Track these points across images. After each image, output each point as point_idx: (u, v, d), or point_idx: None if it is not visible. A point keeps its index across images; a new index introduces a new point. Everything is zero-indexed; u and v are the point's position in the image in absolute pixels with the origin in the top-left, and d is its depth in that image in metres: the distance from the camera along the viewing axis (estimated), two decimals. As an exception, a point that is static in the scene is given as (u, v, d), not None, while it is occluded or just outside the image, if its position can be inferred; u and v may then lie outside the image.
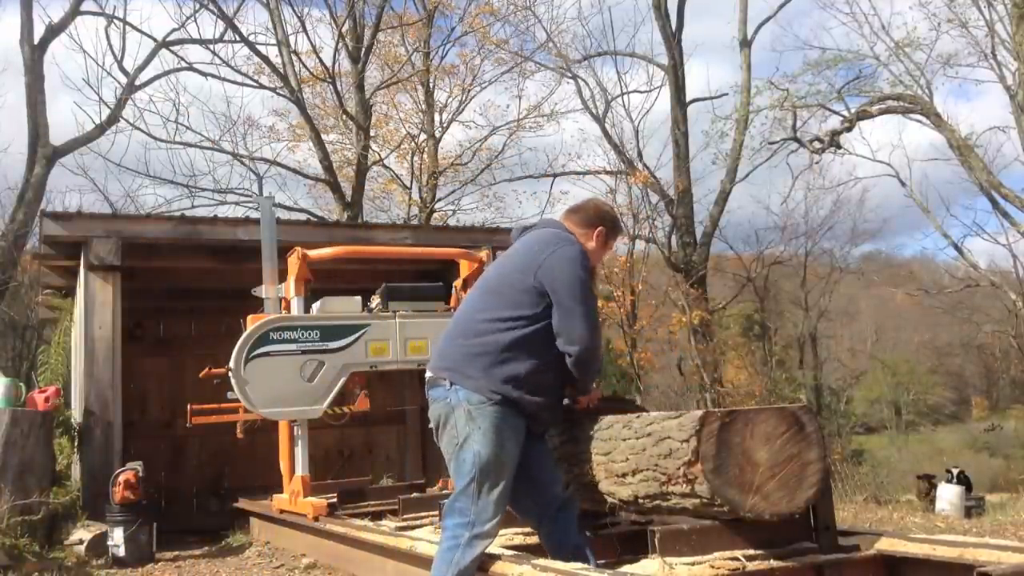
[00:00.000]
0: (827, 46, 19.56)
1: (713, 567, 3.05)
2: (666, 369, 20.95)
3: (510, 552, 3.53)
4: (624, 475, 3.34)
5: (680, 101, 19.23)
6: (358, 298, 6.24)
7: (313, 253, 6.24)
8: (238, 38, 15.00)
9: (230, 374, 5.64)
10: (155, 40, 14.95)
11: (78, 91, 31.11)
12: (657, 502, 3.27)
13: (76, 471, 7.50)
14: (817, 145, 18.56)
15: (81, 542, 6.24)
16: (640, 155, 19.24)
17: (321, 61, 16.03)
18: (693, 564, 3.09)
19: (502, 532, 3.63)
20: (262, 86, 16.09)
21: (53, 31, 14.33)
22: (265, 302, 6.20)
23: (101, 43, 34.86)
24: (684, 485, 3.03)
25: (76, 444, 7.46)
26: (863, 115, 17.86)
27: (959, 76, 21.09)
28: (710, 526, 3.24)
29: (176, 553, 6.54)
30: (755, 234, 24.25)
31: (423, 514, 5.34)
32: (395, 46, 18.71)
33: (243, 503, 7.35)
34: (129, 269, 7.58)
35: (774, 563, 3.14)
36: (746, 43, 19.68)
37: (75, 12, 14.61)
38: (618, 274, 17.42)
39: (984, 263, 19.88)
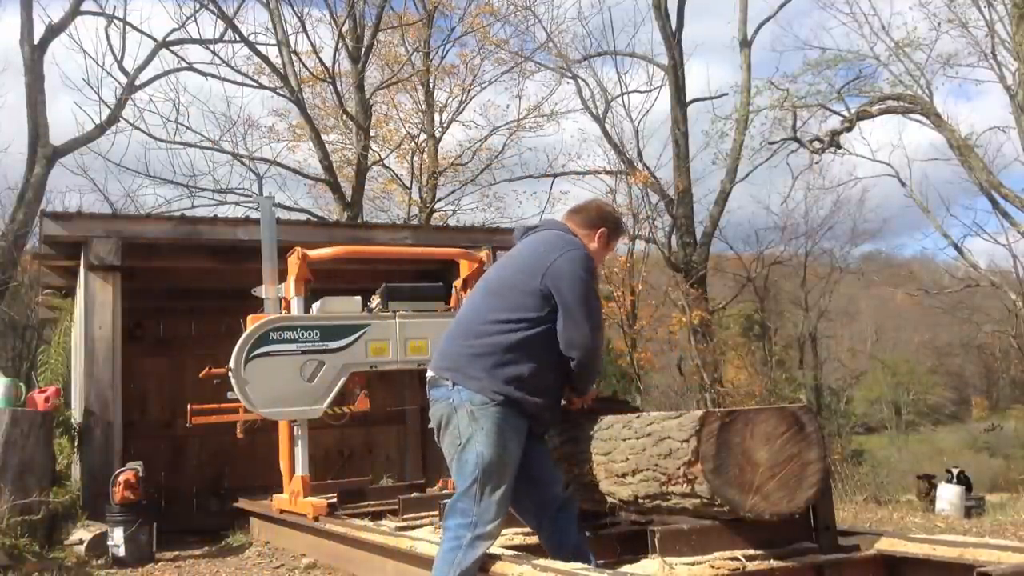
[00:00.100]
0: (827, 46, 19.56)
1: (713, 567, 3.06)
2: (666, 369, 20.95)
3: (510, 552, 3.53)
4: (624, 475, 3.34)
5: (680, 101, 19.24)
6: (358, 298, 6.24)
7: (313, 253, 6.24)
8: (238, 38, 15.01)
9: (230, 374, 5.64)
10: (155, 40, 14.97)
11: (78, 91, 31.16)
12: (657, 502, 3.27)
13: (76, 471, 7.50)
14: (817, 145, 18.57)
15: (81, 542, 6.24)
16: (640, 155, 19.27)
17: (321, 61, 16.05)
18: (693, 564, 3.09)
19: (502, 532, 3.63)
20: (262, 86, 16.10)
21: (53, 31, 14.33)
22: (265, 302, 6.20)
23: (101, 43, 34.96)
24: (684, 485, 3.03)
25: (76, 444, 7.47)
26: (863, 115, 17.86)
27: (959, 76, 21.10)
28: (710, 526, 3.24)
29: (176, 553, 6.54)
30: (755, 234, 24.30)
31: (423, 514, 5.34)
32: (395, 46, 18.72)
33: (243, 503, 7.35)
34: (129, 269, 7.58)
35: (774, 563, 3.14)
36: (746, 43, 19.69)
37: (75, 12, 14.61)
38: (618, 274, 17.43)
39: (984, 263, 19.90)
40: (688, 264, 18.36)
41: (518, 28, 19.40)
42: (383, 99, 18.53)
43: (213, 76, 15.47)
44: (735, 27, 19.96)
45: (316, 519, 5.64)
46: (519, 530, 4.00)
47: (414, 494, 6.22)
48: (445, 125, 19.14)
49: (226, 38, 15.13)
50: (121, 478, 6.31)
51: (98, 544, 6.23)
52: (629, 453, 3.31)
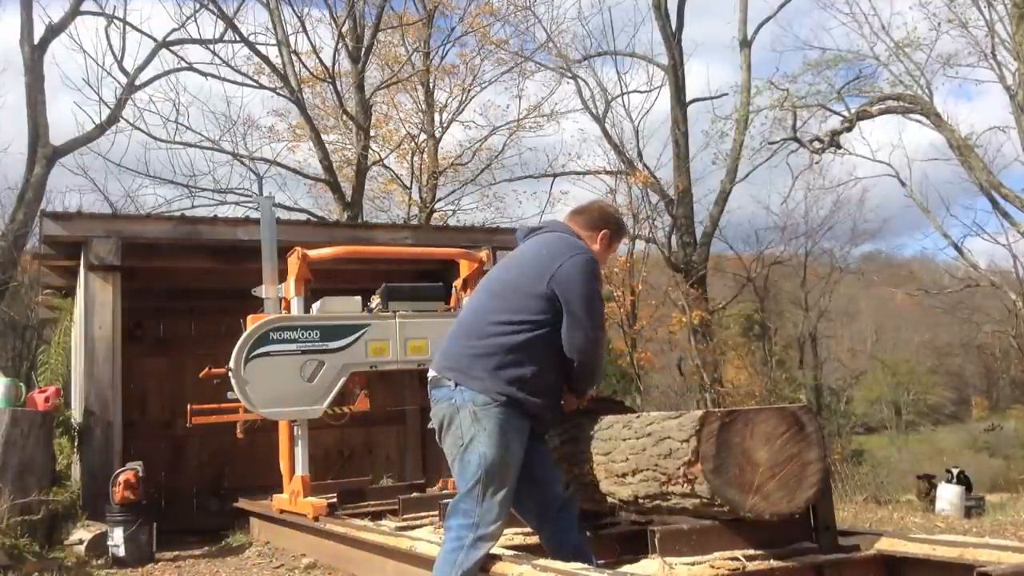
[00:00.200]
0: (827, 46, 19.56)
1: (713, 567, 3.06)
2: (666, 369, 20.95)
3: (510, 552, 3.53)
4: (624, 475, 3.34)
5: (680, 101, 19.24)
6: (358, 298, 6.24)
7: (313, 253, 6.24)
8: (238, 38, 15.02)
9: (230, 374, 5.64)
10: (155, 40, 14.98)
11: (78, 91, 31.18)
12: (657, 502, 3.27)
13: (76, 471, 7.50)
14: (817, 145, 18.57)
15: (81, 542, 6.24)
16: (640, 155, 19.28)
17: (321, 61, 16.05)
18: (693, 564, 3.09)
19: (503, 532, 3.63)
20: (262, 86, 16.11)
21: (53, 31, 14.33)
22: (265, 302, 6.20)
23: (101, 43, 34.96)
24: (684, 485, 3.03)
25: (76, 444, 7.46)
26: (863, 115, 17.86)
27: (959, 76, 21.12)
28: (710, 526, 3.24)
29: (176, 553, 6.54)
30: (755, 234, 24.31)
31: (423, 514, 5.33)
32: (395, 46, 18.72)
33: (243, 503, 7.35)
34: (129, 269, 7.58)
35: (774, 563, 3.14)
36: (746, 43, 19.69)
37: (75, 12, 14.62)
38: (618, 274, 17.44)
39: (984, 263, 19.92)
40: (688, 264, 18.36)
41: (518, 28, 19.44)
42: (383, 99, 18.55)
43: (213, 76, 15.50)
44: (735, 27, 20.01)
45: (316, 519, 5.64)
46: (519, 530, 4.00)
47: (414, 494, 6.21)
48: (445, 125, 19.17)
49: (226, 38, 15.15)
50: (121, 478, 6.31)
51: (98, 544, 6.23)
52: (629, 453, 3.32)
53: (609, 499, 3.52)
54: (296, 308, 6.07)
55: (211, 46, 15.22)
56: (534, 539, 3.75)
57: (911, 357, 34.96)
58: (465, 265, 6.52)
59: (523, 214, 19.59)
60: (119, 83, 14.83)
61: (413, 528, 4.84)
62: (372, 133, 17.09)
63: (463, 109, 19.22)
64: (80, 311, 8.15)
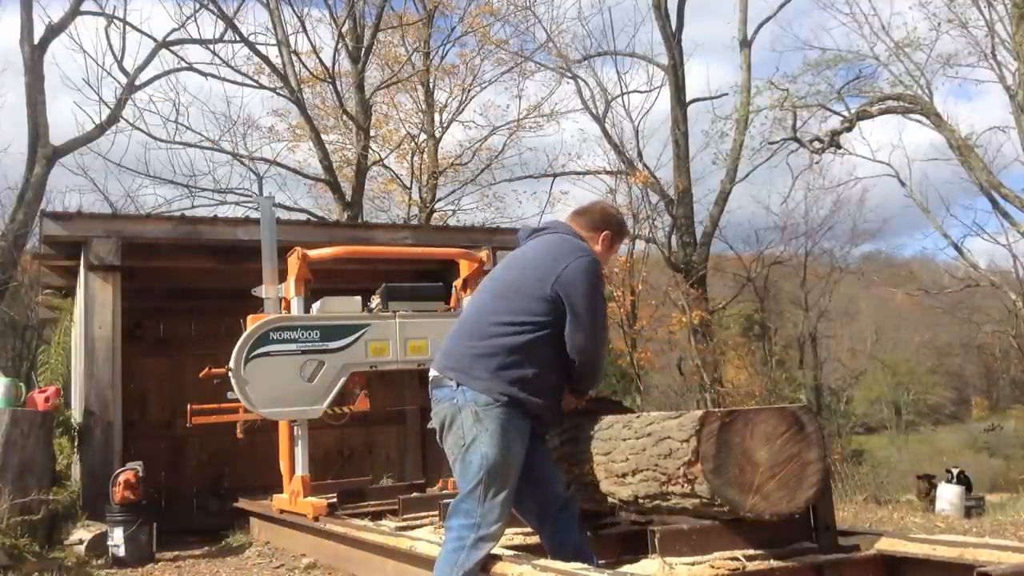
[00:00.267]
0: (827, 46, 19.57)
1: (713, 567, 3.06)
2: (666, 369, 20.95)
3: (510, 552, 3.53)
4: (624, 475, 3.35)
5: (680, 101, 19.24)
6: (358, 298, 6.24)
7: (313, 253, 6.24)
8: (238, 38, 15.02)
9: (230, 374, 5.64)
10: (155, 40, 14.98)
11: (78, 91, 31.19)
12: (657, 502, 3.27)
13: (76, 471, 7.50)
14: (817, 145, 18.57)
15: (81, 542, 6.23)
16: (640, 155, 19.28)
17: (321, 61, 16.05)
18: (693, 564, 3.09)
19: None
20: (262, 86, 16.11)
21: (53, 31, 14.33)
22: (265, 302, 6.20)
23: (101, 43, 34.95)
24: (684, 485, 3.03)
25: (76, 444, 7.46)
26: (863, 115, 17.86)
27: (959, 76, 21.11)
28: (710, 526, 3.24)
29: (176, 553, 6.54)
30: (755, 234, 24.32)
31: (423, 514, 5.33)
32: (395, 46, 18.73)
33: (243, 503, 7.35)
34: (129, 269, 7.58)
35: (774, 563, 3.14)
36: (746, 43, 19.69)
37: (75, 12, 14.62)
38: (618, 274, 17.43)
39: (984, 263, 19.92)
40: (688, 264, 18.36)
41: (518, 28, 19.44)
42: (383, 99, 18.55)
43: (213, 76, 15.50)
44: (735, 27, 20.01)
45: (316, 519, 5.64)
46: (519, 530, 4.00)
47: (414, 494, 6.21)
48: (445, 125, 19.17)
49: (226, 38, 15.16)
50: (121, 478, 6.31)
51: (98, 544, 6.23)
52: (629, 453, 3.32)
53: (609, 499, 3.52)
54: (296, 308, 6.07)
55: (211, 46, 15.24)
56: (534, 539, 3.75)
57: (911, 357, 34.97)
58: (465, 265, 6.52)
59: (523, 214, 19.63)
60: (119, 83, 14.85)
61: (413, 528, 4.84)
62: (372, 133, 17.10)
63: (463, 109, 19.26)
64: (80, 311, 8.15)
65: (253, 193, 15.99)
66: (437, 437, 3.48)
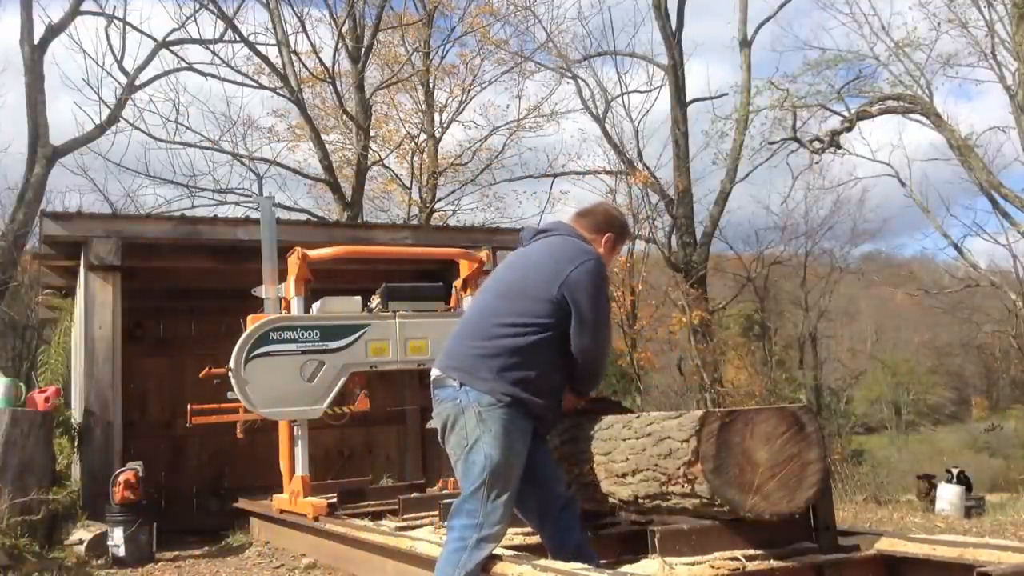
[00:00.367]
0: (827, 46, 19.59)
1: (713, 567, 3.06)
2: (666, 369, 20.95)
3: (510, 552, 3.52)
4: (624, 475, 3.35)
5: (680, 101, 19.24)
6: (358, 298, 6.24)
7: (313, 253, 6.23)
8: (238, 38, 15.02)
9: (230, 374, 5.63)
10: (155, 40, 14.98)
11: (78, 91, 31.10)
12: (657, 502, 3.27)
13: (76, 471, 7.50)
14: (817, 145, 18.57)
15: (81, 542, 6.23)
16: (640, 155, 19.29)
17: (321, 61, 16.05)
18: (693, 564, 3.09)
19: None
20: (262, 86, 16.12)
21: (53, 31, 14.34)
22: (265, 302, 6.19)
23: (101, 43, 34.98)
24: (684, 485, 3.03)
25: (76, 444, 7.46)
26: (863, 115, 17.86)
27: (959, 76, 21.12)
28: (710, 526, 3.24)
29: (176, 553, 6.54)
30: (755, 234, 24.32)
31: (423, 514, 5.33)
32: (395, 46, 18.73)
33: (243, 503, 7.35)
34: (129, 269, 7.58)
35: (774, 563, 3.14)
36: (746, 43, 19.70)
37: (75, 12, 14.62)
38: (618, 274, 17.43)
39: (984, 263, 19.92)
40: (688, 264, 18.36)
41: (518, 28, 19.45)
42: (383, 99, 18.56)
43: (213, 76, 15.51)
44: (735, 27, 20.02)
45: (316, 519, 5.64)
46: (519, 530, 4.00)
47: (414, 494, 6.21)
48: (445, 125, 19.18)
49: (226, 38, 15.16)
50: (121, 478, 6.31)
51: (98, 544, 6.23)
52: (629, 453, 3.32)
53: (609, 499, 3.52)
54: (296, 308, 6.07)
55: (211, 46, 15.25)
56: (534, 539, 3.75)
57: (911, 357, 34.97)
58: (465, 265, 6.52)
59: (523, 214, 19.64)
60: (119, 83, 14.86)
61: (413, 528, 4.84)
62: (372, 133, 17.10)
63: (463, 109, 19.27)
64: (80, 311, 8.15)
65: (253, 193, 16.01)
66: (439, 437, 3.47)
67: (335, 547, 5.43)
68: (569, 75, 19.62)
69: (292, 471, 6.10)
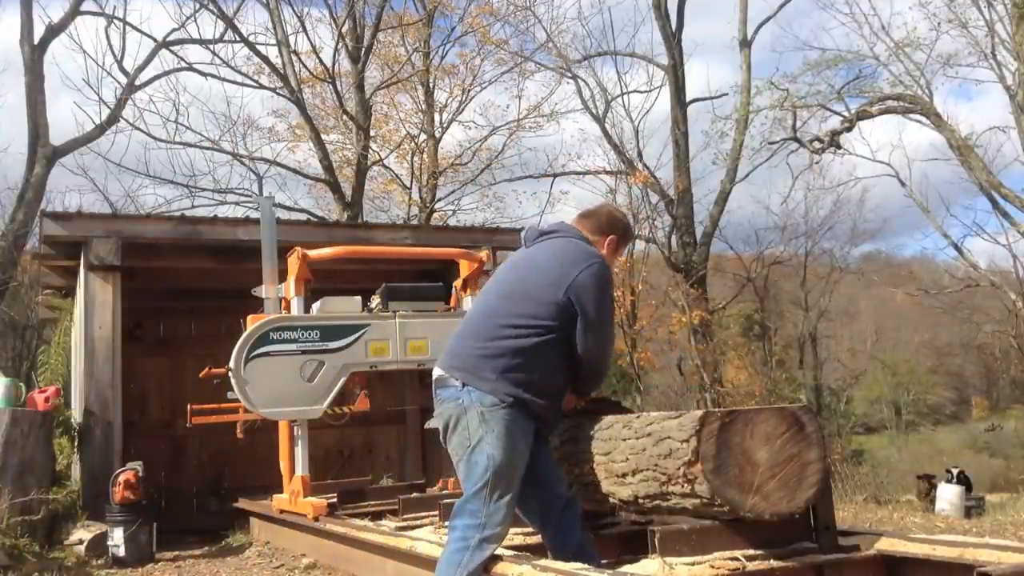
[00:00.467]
0: (827, 46, 19.61)
1: (713, 567, 3.06)
2: (666, 369, 20.95)
3: (511, 552, 3.52)
4: (624, 475, 3.35)
5: (680, 101, 19.25)
6: (358, 298, 6.24)
7: (313, 253, 6.23)
8: (238, 38, 15.02)
9: (230, 374, 5.63)
10: (155, 40, 14.98)
11: (78, 91, 31.09)
12: (657, 502, 3.27)
13: (76, 471, 7.50)
14: (817, 145, 18.58)
15: (81, 542, 6.23)
16: (640, 155, 19.29)
17: (321, 61, 16.05)
18: (693, 564, 3.09)
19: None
20: (262, 86, 16.11)
21: (53, 31, 14.34)
22: (265, 302, 6.19)
23: (101, 43, 34.97)
24: (684, 485, 3.03)
25: (76, 444, 7.46)
26: (863, 115, 17.87)
27: (959, 76, 21.14)
28: (710, 526, 3.24)
29: (176, 553, 6.54)
30: (755, 234, 24.34)
31: (423, 514, 5.33)
32: (395, 46, 18.73)
33: (243, 503, 7.35)
34: (129, 269, 7.58)
35: (774, 563, 3.14)
36: (746, 43, 19.70)
37: (75, 12, 14.62)
38: (618, 274, 17.42)
39: (984, 263, 19.92)
40: (688, 264, 18.37)
41: (518, 28, 19.45)
42: (383, 99, 18.56)
43: (213, 76, 15.50)
44: (735, 27, 20.03)
45: (316, 519, 5.64)
46: (520, 530, 4.00)
47: (414, 494, 6.21)
48: (445, 125, 19.18)
49: (226, 38, 15.15)
50: (121, 478, 6.31)
51: (98, 544, 6.23)
52: (629, 453, 3.32)
53: (609, 499, 3.52)
54: (296, 308, 6.07)
55: (211, 46, 15.24)
56: (535, 539, 3.75)
57: (911, 357, 34.96)
58: (465, 265, 6.52)
59: (523, 214, 19.66)
60: (119, 83, 14.86)
61: (413, 528, 4.84)
62: (372, 133, 17.10)
63: (463, 109, 19.27)
64: (80, 311, 8.15)
65: (253, 193, 16.01)
66: (440, 437, 3.47)
67: (335, 547, 5.43)
68: (569, 75, 19.65)
69: (292, 471, 6.10)
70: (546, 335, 3.34)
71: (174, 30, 15.07)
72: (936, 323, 32.83)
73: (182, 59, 15.39)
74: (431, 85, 18.82)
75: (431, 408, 3.53)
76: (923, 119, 17.07)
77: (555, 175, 19.56)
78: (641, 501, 3.33)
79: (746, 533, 3.22)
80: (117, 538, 6.18)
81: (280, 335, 5.74)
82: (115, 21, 14.58)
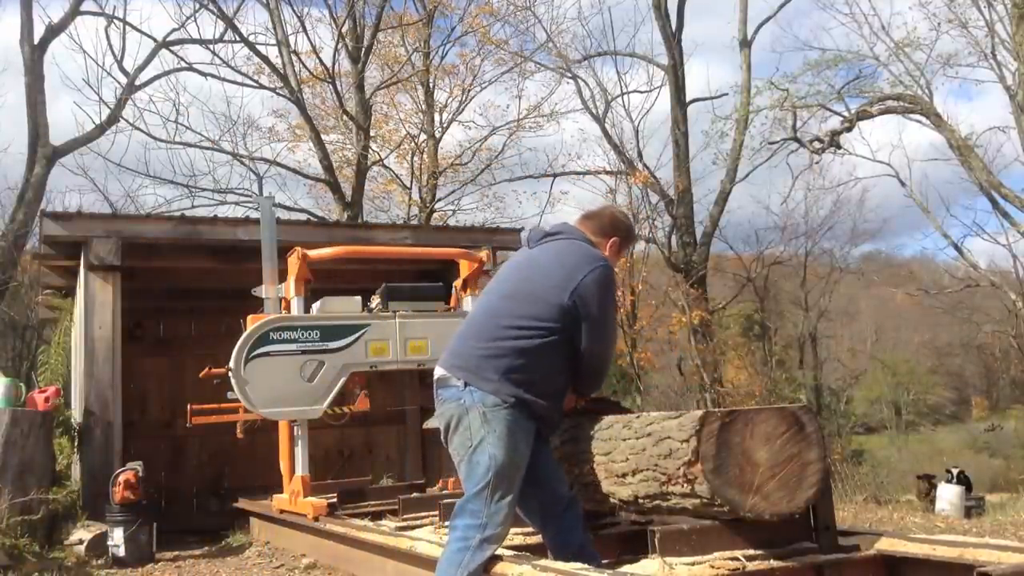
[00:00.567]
0: (827, 46, 19.60)
1: (713, 567, 3.06)
2: (666, 369, 20.95)
3: (511, 552, 3.52)
4: (624, 475, 3.35)
5: (680, 101, 19.24)
6: (358, 298, 6.24)
7: (313, 253, 6.23)
8: (238, 38, 15.01)
9: (230, 374, 5.63)
10: (155, 40, 14.97)
11: (78, 91, 31.11)
12: (657, 502, 3.27)
13: (76, 471, 7.50)
14: (817, 145, 18.57)
15: (81, 542, 6.23)
16: (640, 155, 19.28)
17: (321, 61, 16.04)
18: (693, 564, 3.09)
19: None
20: (262, 86, 16.11)
21: (53, 31, 14.33)
22: (265, 302, 6.19)
23: (101, 43, 34.95)
24: (684, 485, 3.03)
25: (76, 444, 7.46)
26: (863, 115, 17.86)
27: (959, 76, 21.10)
28: (710, 526, 3.24)
29: (176, 553, 6.54)
30: (755, 234, 24.33)
31: (423, 514, 5.33)
32: (395, 46, 18.72)
33: (243, 503, 7.35)
34: (129, 269, 7.58)
35: (774, 563, 3.14)
36: (746, 43, 19.70)
37: (75, 12, 14.61)
38: (618, 274, 17.37)
39: (984, 263, 19.91)
40: (688, 264, 18.36)
41: (518, 28, 19.44)
42: (383, 99, 18.55)
43: (213, 76, 15.49)
44: (735, 27, 20.02)
45: (316, 519, 5.64)
46: (520, 530, 4.00)
47: (414, 494, 6.20)
48: (445, 125, 19.17)
49: (226, 38, 15.14)
50: (121, 478, 6.31)
51: (98, 544, 6.23)
52: (629, 453, 3.32)
53: (609, 499, 3.52)
54: (296, 308, 6.07)
55: (211, 46, 15.23)
56: (535, 539, 3.75)
57: (911, 357, 34.96)
58: (465, 265, 6.52)
59: (523, 214, 19.68)
60: (119, 83, 14.85)
61: (413, 528, 4.84)
62: (372, 133, 17.09)
63: (463, 109, 19.26)
64: (80, 311, 8.15)
65: (253, 193, 16.00)
66: (441, 437, 3.46)
67: (335, 547, 5.43)
68: (569, 75, 19.64)
69: (292, 471, 6.10)
70: (549, 336, 3.34)
71: (174, 30, 15.09)
72: (936, 323, 32.84)
73: (182, 59, 15.41)
74: (431, 85, 18.82)
75: (431, 408, 3.53)
76: (923, 119, 17.07)
77: (555, 175, 19.58)
78: (641, 501, 3.33)
79: (746, 533, 3.22)
80: (117, 538, 6.19)
81: (280, 335, 5.75)
82: (115, 21, 14.58)
